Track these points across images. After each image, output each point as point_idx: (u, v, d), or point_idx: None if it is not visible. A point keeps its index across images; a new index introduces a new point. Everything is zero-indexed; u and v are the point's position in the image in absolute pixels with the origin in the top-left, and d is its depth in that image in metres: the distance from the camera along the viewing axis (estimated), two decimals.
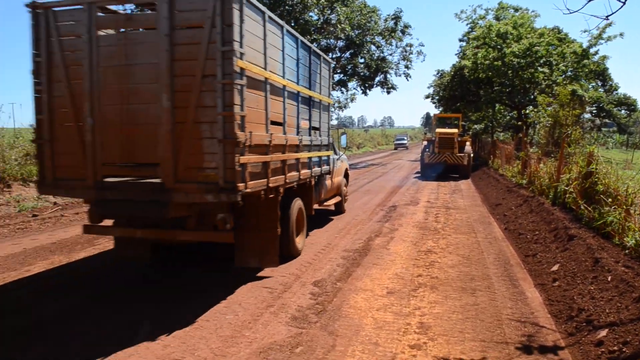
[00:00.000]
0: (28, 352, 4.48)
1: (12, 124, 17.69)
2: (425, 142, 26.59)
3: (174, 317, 5.28)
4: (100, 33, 5.75)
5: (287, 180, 7.16)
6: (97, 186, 5.83)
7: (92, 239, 9.73)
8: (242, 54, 5.36)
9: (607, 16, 6.96)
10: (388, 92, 34.14)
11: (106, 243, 9.09)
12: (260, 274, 6.87)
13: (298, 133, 7.90)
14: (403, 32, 33.31)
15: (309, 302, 5.84)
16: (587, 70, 28.32)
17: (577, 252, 6.93)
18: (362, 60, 32.29)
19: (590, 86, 35.49)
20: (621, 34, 26.04)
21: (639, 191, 7.65)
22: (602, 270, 5.86)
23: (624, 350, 4.19)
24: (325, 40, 30.74)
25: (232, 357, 4.42)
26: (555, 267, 6.84)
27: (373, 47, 32.41)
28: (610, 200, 7.87)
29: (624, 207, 7.26)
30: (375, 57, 32.44)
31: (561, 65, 26.92)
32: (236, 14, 5.24)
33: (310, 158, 8.65)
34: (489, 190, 17.20)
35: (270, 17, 6.26)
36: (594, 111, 42.29)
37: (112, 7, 6.14)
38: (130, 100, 5.67)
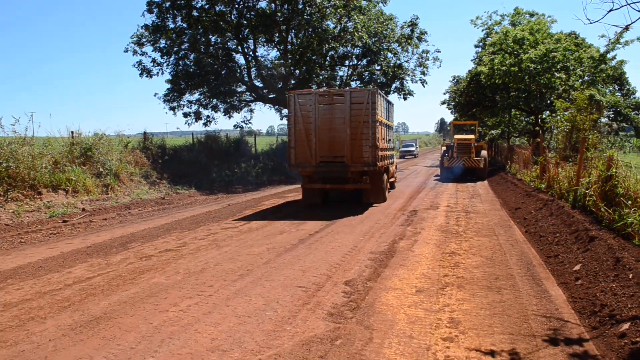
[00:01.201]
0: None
1: (37, 133, 18.18)
2: (444, 148, 29.27)
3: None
4: (318, 104, 14.77)
5: (386, 163, 16.82)
6: (316, 165, 14.84)
7: (126, 243, 10.15)
8: (377, 113, 14.75)
9: (627, 26, 7.24)
10: (405, 98, 34.33)
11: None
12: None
13: (389, 142, 18.31)
14: (419, 38, 33.50)
15: (342, 300, 6.16)
16: (604, 75, 28.40)
17: (598, 252, 7.18)
18: (378, 67, 32.56)
19: (607, 90, 35.46)
20: (639, 38, 26.14)
21: None
22: (623, 268, 6.11)
23: None
24: (342, 48, 31.08)
25: (277, 348, 4.76)
26: (577, 267, 7.09)
27: (389, 54, 32.67)
28: (630, 202, 8.10)
29: None
30: (391, 64, 32.69)
31: (578, 70, 27.03)
32: (376, 98, 14.69)
33: (391, 154, 18.89)
34: (507, 194, 17.39)
35: (384, 97, 16.15)
36: (611, 115, 42.16)
37: (321, 91, 15.28)
38: (332, 131, 14.74)
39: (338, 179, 14.94)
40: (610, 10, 6.43)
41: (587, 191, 10.13)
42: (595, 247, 7.43)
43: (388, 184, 17.84)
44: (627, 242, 7.23)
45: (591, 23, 6.49)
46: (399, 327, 5.24)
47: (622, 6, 6.28)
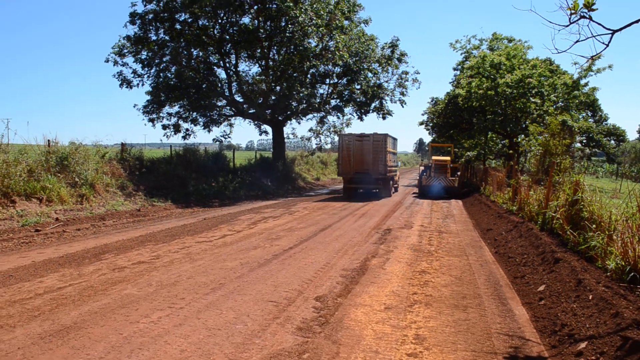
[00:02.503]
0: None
1: (13, 140, 18.02)
2: (422, 167, 32.76)
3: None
4: (355, 141, 26.52)
5: (392, 174, 28.75)
6: (353, 174, 26.64)
7: (99, 254, 10.13)
8: (387, 147, 26.56)
9: (592, 57, 7.55)
10: (384, 118, 34.84)
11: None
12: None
13: (394, 162, 30.21)
14: (399, 60, 34.13)
15: (312, 315, 6.27)
16: (577, 101, 29.12)
17: (562, 274, 7.41)
18: (358, 87, 33.00)
19: (580, 116, 36.33)
20: (610, 66, 26.93)
21: (621, 218, 8.14)
22: (584, 290, 6.33)
23: (600, 359, 4.64)
24: (323, 67, 31.47)
25: None
26: (541, 288, 7.31)
27: (370, 74, 33.16)
28: (594, 226, 8.37)
29: (607, 232, 7.75)
30: (371, 84, 33.17)
31: (552, 96, 27.67)
32: (387, 139, 26.55)
33: (395, 170, 31.05)
34: (480, 215, 17.70)
35: (392, 137, 28.40)
36: (584, 141, 43.14)
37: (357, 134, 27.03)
38: (362, 155, 26.34)
39: (365, 182, 26.80)
40: (577, 41, 6.71)
41: (554, 214, 10.42)
42: (560, 269, 7.66)
43: (393, 187, 30.14)
44: (590, 264, 7.48)
45: (559, 52, 6.77)
46: (365, 343, 5.36)
47: (588, 38, 6.58)
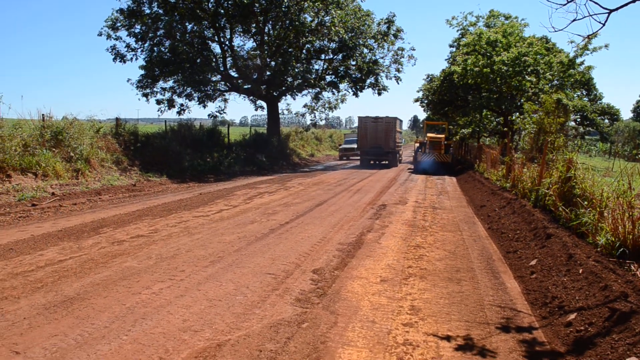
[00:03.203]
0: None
1: (7, 115, 17.94)
2: (417, 144, 35.06)
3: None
4: (371, 122, 33.64)
5: (398, 149, 37.58)
6: (368, 148, 33.92)
7: (97, 228, 10.22)
8: (396, 127, 34.68)
9: (588, 35, 7.65)
10: (379, 94, 34.91)
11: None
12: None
13: (400, 139, 40.90)
14: (395, 36, 34.02)
15: (310, 287, 6.42)
16: (572, 79, 29.16)
17: (553, 249, 7.59)
18: (354, 63, 32.89)
19: (575, 95, 36.40)
20: (606, 46, 26.87)
21: (613, 196, 8.30)
22: (574, 264, 6.51)
23: (589, 329, 4.83)
24: (319, 42, 31.31)
25: (246, 330, 4.99)
26: (533, 262, 7.49)
27: (365, 50, 33.04)
28: (586, 203, 8.54)
29: (598, 209, 7.91)
30: (367, 60, 33.07)
31: (548, 74, 27.68)
32: (397, 122, 35.11)
33: (400, 145, 41.34)
34: (474, 192, 17.88)
35: (399, 119, 37.10)
36: (578, 119, 43.30)
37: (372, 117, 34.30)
38: (376, 133, 33.60)
39: (378, 155, 34.39)
40: (574, 20, 6.78)
41: (547, 191, 10.58)
42: (551, 244, 7.84)
43: (398, 159, 37.64)
44: (581, 239, 7.66)
45: (556, 31, 6.87)
46: (362, 313, 5.52)
47: (585, 17, 6.64)
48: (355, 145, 40.08)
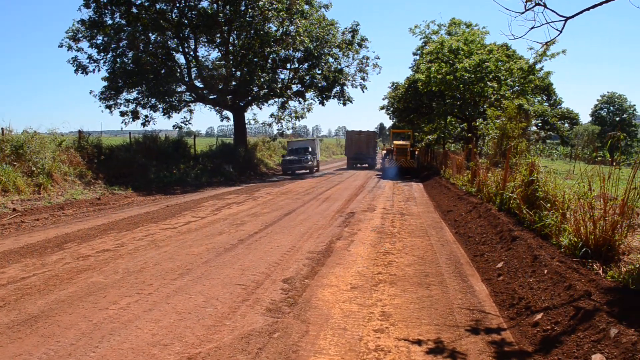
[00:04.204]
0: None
1: None
2: (384, 151, 37.93)
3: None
4: (355, 135, 44.44)
5: (375, 155, 47.06)
6: (353, 154, 43.67)
7: (61, 244, 9.99)
8: (375, 139, 48.15)
9: (546, 42, 7.87)
10: (344, 104, 35.10)
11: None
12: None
13: (377, 148, 50.81)
14: (360, 44, 34.32)
15: (280, 296, 6.40)
16: (532, 85, 29.91)
17: (519, 251, 7.74)
18: (319, 72, 33.03)
19: (536, 100, 37.34)
20: (564, 51, 27.63)
21: (574, 197, 8.52)
22: (539, 265, 6.65)
23: (555, 329, 4.94)
24: (284, 51, 31.36)
25: (217, 342, 4.93)
26: (500, 265, 7.63)
27: (331, 59, 33.25)
28: (549, 205, 8.74)
29: (561, 211, 8.10)
30: (332, 69, 33.26)
31: (509, 80, 28.34)
32: (375, 134, 50.26)
33: (377, 152, 50.55)
34: (441, 198, 18.12)
35: (377, 132, 71.68)
36: (539, 124, 44.40)
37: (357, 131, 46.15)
38: (359, 144, 43.89)
39: (360, 159, 42.65)
40: (532, 28, 6.97)
41: (511, 195, 10.79)
42: (517, 246, 8.00)
43: (375, 163, 44.39)
44: (545, 241, 7.83)
45: (515, 39, 7.05)
46: (333, 321, 5.53)
47: (542, 24, 6.83)
48: (304, 156, 34.56)
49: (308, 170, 34.92)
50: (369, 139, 43.97)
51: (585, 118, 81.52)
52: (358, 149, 42.87)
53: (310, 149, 36.55)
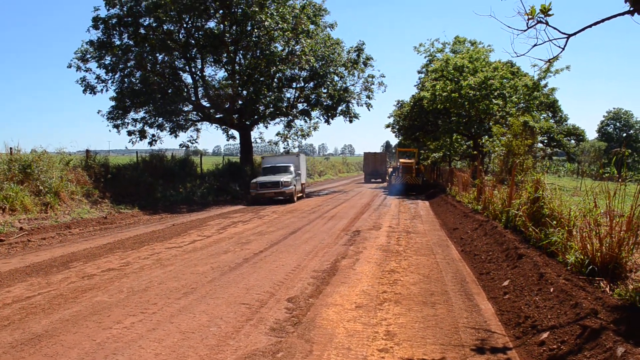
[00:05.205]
0: None
1: None
2: (390, 169, 40.31)
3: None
4: (371, 155, 55.03)
5: (387, 172, 45.31)
6: (370, 171, 54.21)
7: (67, 263, 10.02)
8: (386, 158, 58.47)
9: (549, 60, 7.88)
10: (350, 121, 35.13)
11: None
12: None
13: (388, 166, 51.43)
14: (365, 63, 34.47)
15: (285, 316, 6.37)
16: (537, 102, 29.95)
17: (525, 269, 7.68)
18: (325, 91, 33.18)
19: (541, 117, 37.32)
20: (567, 67, 27.74)
21: (580, 214, 8.47)
22: (545, 283, 6.59)
23: (561, 347, 4.88)
24: (290, 71, 31.56)
25: None
26: (506, 283, 7.57)
27: (336, 78, 33.42)
28: (554, 222, 8.69)
29: (567, 228, 8.06)
30: (338, 88, 33.41)
31: (514, 97, 28.38)
32: (386, 155, 62.68)
33: (388, 169, 47.01)
34: (446, 215, 18.05)
35: (387, 153, 69.74)
36: (545, 141, 44.32)
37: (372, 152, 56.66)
38: (375, 163, 54.21)
39: (375, 175, 51.72)
40: (535, 45, 7.00)
41: (517, 212, 10.75)
42: (523, 264, 7.94)
43: (387, 178, 40.03)
44: (551, 259, 7.77)
45: (518, 56, 7.13)
46: (337, 340, 5.49)
47: (545, 42, 6.86)
48: (285, 178, 25.33)
49: (287, 198, 25.56)
50: (382, 159, 55.25)
51: (591, 134, 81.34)
52: (373, 166, 52.65)
53: (291, 168, 27.43)
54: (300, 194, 28.33)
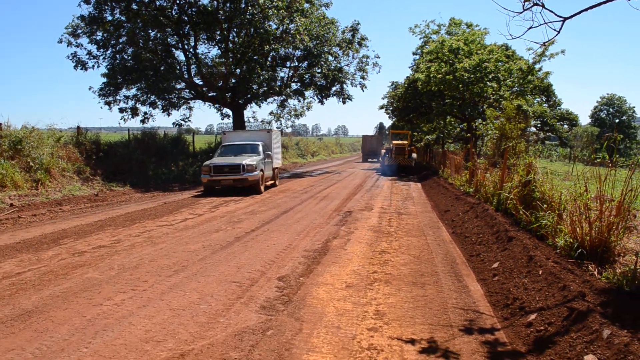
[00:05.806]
0: None
1: None
2: (384, 150, 41.75)
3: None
4: (368, 137, 63.52)
5: (382, 152, 45.85)
6: (367, 152, 58.59)
7: (57, 239, 9.99)
8: (382, 140, 70.25)
9: (544, 43, 7.85)
10: (344, 102, 35.02)
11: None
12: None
13: (383, 146, 54.91)
14: (360, 44, 34.25)
15: (275, 294, 6.39)
16: (531, 86, 29.87)
17: (514, 251, 7.74)
18: (319, 70, 32.96)
19: (535, 101, 37.32)
20: (562, 51, 27.59)
21: (570, 198, 8.51)
22: (535, 266, 6.65)
23: (548, 329, 4.94)
24: (284, 49, 31.31)
25: (210, 339, 4.93)
26: (495, 265, 7.63)
27: (330, 57, 33.19)
28: (545, 206, 8.74)
29: (557, 212, 8.11)
30: (332, 68, 33.20)
31: (508, 80, 28.31)
32: (381, 136, 77.84)
33: (382, 149, 49.98)
34: (439, 197, 18.11)
35: (382, 135, 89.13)
36: (538, 125, 44.40)
37: (370, 135, 68.05)
38: (371, 144, 59.72)
39: (372, 155, 55.69)
40: (530, 28, 6.95)
41: (508, 195, 10.79)
42: (513, 247, 8.00)
43: (382, 158, 40.00)
44: (541, 242, 7.83)
45: (513, 39, 7.06)
46: (327, 319, 5.52)
47: (540, 24, 6.82)
48: (246, 161, 19.17)
49: (250, 186, 19.50)
50: (378, 140, 61.68)
51: (584, 119, 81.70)
52: (370, 147, 57.25)
53: (260, 148, 21.44)
54: (271, 182, 22.97)
